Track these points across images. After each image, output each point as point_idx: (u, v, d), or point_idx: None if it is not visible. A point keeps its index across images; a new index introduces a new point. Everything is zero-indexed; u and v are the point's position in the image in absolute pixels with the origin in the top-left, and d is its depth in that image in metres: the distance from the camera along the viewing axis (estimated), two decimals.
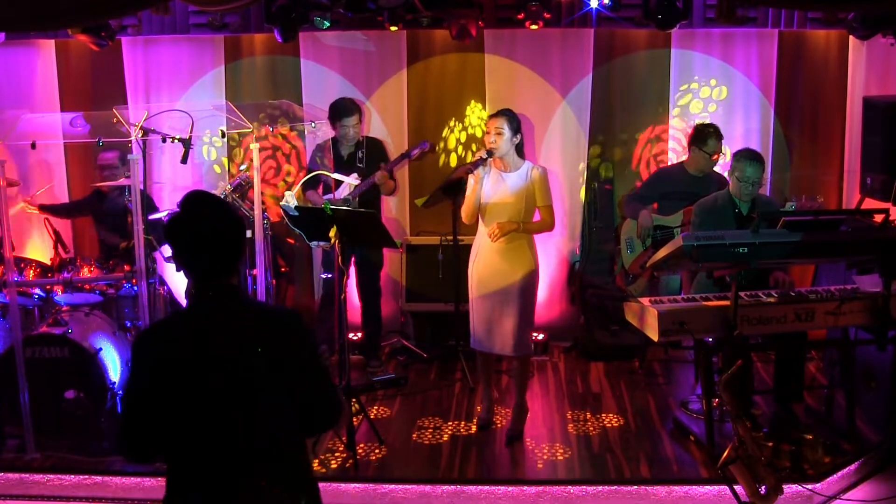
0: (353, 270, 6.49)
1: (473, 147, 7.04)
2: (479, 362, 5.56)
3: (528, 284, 5.23)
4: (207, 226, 2.70)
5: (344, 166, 6.25)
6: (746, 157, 5.23)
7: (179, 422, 2.61)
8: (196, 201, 2.74)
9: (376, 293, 6.66)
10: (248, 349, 2.65)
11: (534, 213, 5.26)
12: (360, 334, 6.78)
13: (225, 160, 7.13)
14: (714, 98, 6.92)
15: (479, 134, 7.04)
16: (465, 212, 5.34)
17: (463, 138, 7.09)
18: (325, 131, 6.44)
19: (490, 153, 5.18)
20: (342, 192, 6.23)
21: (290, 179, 7.11)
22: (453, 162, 7.07)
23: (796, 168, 6.94)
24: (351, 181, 5.91)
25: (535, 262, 5.28)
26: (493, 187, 5.25)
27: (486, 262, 5.29)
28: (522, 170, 5.23)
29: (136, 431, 2.64)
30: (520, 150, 5.28)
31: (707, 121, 6.55)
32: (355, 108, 6.34)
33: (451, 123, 7.09)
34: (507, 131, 5.15)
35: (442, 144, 7.10)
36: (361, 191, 6.26)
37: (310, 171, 6.13)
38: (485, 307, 5.28)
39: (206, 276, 2.70)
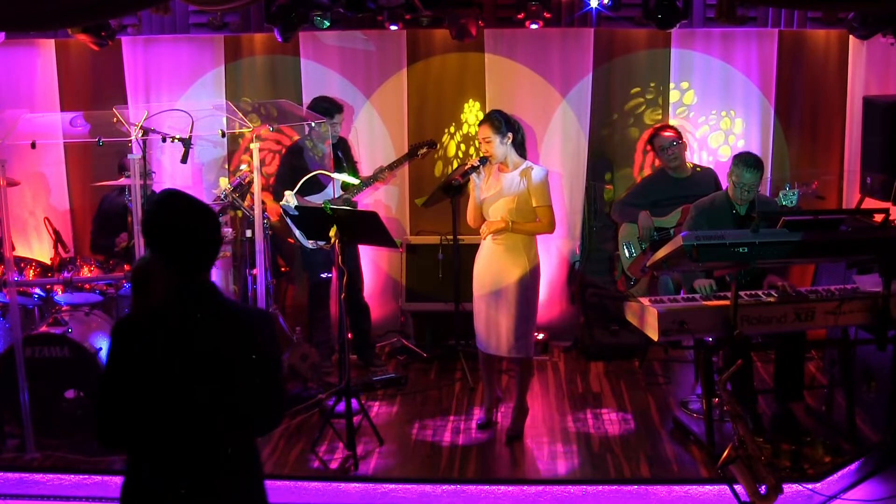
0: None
1: (472, 151, 7.05)
2: (481, 362, 5.56)
3: (525, 285, 5.20)
4: (191, 223, 2.74)
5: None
6: (745, 162, 5.21)
7: (151, 411, 2.66)
8: (174, 199, 2.77)
9: (358, 289, 6.53)
10: (223, 346, 2.71)
11: (530, 214, 5.22)
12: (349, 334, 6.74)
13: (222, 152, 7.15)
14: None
15: (462, 139, 7.10)
16: (469, 215, 5.40)
17: (463, 148, 7.09)
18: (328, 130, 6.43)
19: (484, 160, 5.21)
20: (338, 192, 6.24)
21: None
22: (458, 138, 7.08)
23: (796, 168, 6.93)
24: (349, 179, 5.92)
25: (533, 263, 5.23)
26: (489, 188, 5.27)
27: (483, 262, 5.32)
28: (518, 170, 5.24)
29: (110, 417, 2.67)
30: (520, 149, 5.28)
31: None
32: (341, 106, 6.42)
33: (451, 130, 7.10)
34: (493, 137, 5.16)
35: (441, 152, 7.10)
36: (362, 189, 6.29)
37: (291, 171, 6.13)
38: (482, 306, 5.30)
39: (187, 273, 2.73)
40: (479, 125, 5.27)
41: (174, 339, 2.67)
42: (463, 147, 7.11)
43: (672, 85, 6.94)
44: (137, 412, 2.66)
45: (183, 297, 2.73)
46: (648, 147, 6.50)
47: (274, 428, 2.92)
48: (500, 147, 5.18)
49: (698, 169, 6.37)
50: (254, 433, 2.86)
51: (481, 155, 5.25)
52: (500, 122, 5.19)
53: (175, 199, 2.77)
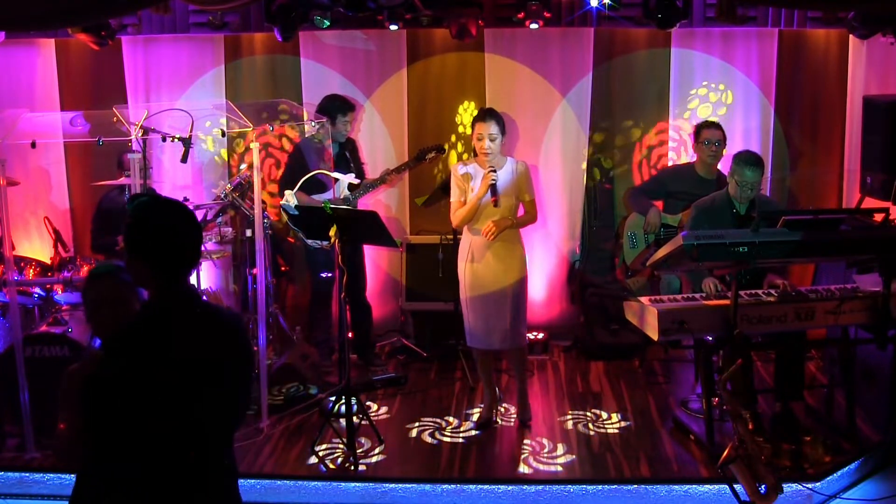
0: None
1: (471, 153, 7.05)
2: (478, 361, 5.57)
3: (523, 283, 5.36)
4: (179, 227, 2.68)
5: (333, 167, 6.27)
6: (746, 160, 5.21)
7: (151, 423, 2.56)
8: (158, 205, 2.71)
9: (359, 289, 6.53)
10: (214, 348, 2.68)
11: (517, 208, 5.36)
12: (350, 334, 6.73)
13: (222, 154, 7.14)
14: (723, 101, 6.94)
15: (462, 139, 7.08)
16: (464, 217, 5.32)
17: (468, 125, 7.07)
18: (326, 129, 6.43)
19: (493, 169, 5.21)
20: (340, 192, 6.23)
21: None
22: (453, 160, 7.05)
23: (796, 168, 6.93)
24: (351, 180, 5.92)
25: (525, 256, 5.42)
26: (483, 186, 5.28)
27: (482, 263, 5.32)
28: (508, 166, 5.32)
29: (105, 437, 2.58)
30: None
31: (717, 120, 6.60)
32: (353, 105, 6.41)
33: (456, 109, 7.09)
34: (499, 135, 5.24)
35: (450, 128, 7.11)
36: (368, 191, 6.30)
37: (294, 171, 6.13)
38: (483, 306, 5.32)
39: (174, 278, 2.67)
40: (484, 122, 5.21)
41: (170, 346, 2.60)
42: (462, 146, 7.11)
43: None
44: (136, 426, 2.56)
45: (171, 303, 2.66)
46: (693, 136, 6.35)
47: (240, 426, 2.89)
48: (499, 145, 5.27)
49: (723, 177, 6.32)
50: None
51: (483, 152, 5.23)
52: (501, 119, 5.28)
53: (159, 205, 2.71)
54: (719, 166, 6.26)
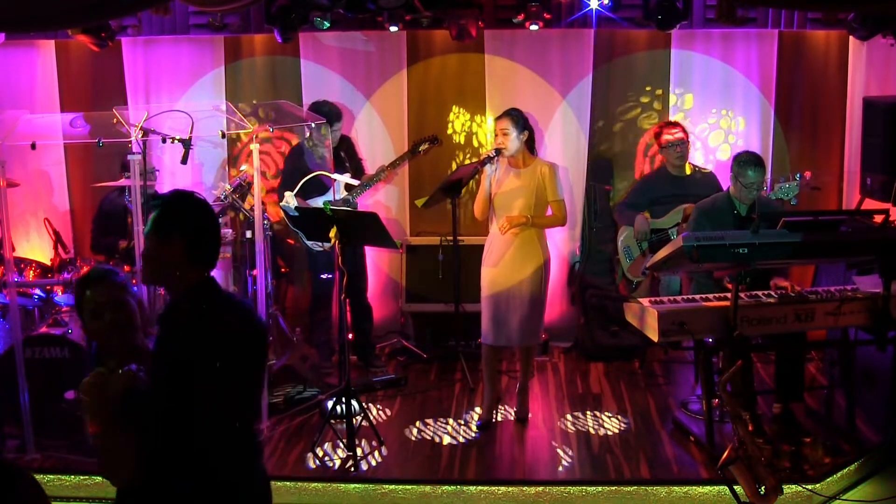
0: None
1: (470, 154, 7.06)
2: (485, 359, 5.55)
3: (539, 278, 5.38)
4: (214, 219, 2.93)
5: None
6: (747, 161, 5.22)
7: (243, 401, 2.88)
8: (195, 199, 2.90)
9: (361, 291, 6.56)
10: (251, 326, 2.93)
11: (545, 209, 5.41)
12: (350, 335, 6.73)
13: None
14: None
15: (462, 140, 7.10)
16: (477, 207, 5.51)
17: (468, 126, 7.10)
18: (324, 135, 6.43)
19: (498, 151, 5.35)
20: (340, 192, 6.23)
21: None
22: (458, 139, 7.09)
23: (796, 168, 6.91)
24: (350, 181, 5.92)
25: (546, 256, 5.42)
26: (503, 183, 5.38)
27: (496, 260, 5.38)
28: (533, 166, 5.38)
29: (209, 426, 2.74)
30: (531, 147, 5.46)
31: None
32: (341, 113, 6.42)
33: (456, 110, 7.10)
34: (512, 131, 5.32)
35: (450, 129, 7.11)
36: (365, 189, 6.30)
37: (293, 173, 6.12)
38: (497, 304, 5.37)
39: (207, 268, 2.88)
40: (498, 118, 5.42)
41: (250, 324, 2.88)
42: (467, 129, 7.12)
43: (673, 94, 6.95)
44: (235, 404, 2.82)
45: (207, 291, 2.85)
46: (654, 141, 6.46)
47: None
48: (515, 141, 5.34)
49: (700, 171, 6.36)
50: None
51: (495, 147, 5.38)
52: (518, 117, 5.37)
53: (195, 199, 2.90)
54: (702, 163, 6.30)
